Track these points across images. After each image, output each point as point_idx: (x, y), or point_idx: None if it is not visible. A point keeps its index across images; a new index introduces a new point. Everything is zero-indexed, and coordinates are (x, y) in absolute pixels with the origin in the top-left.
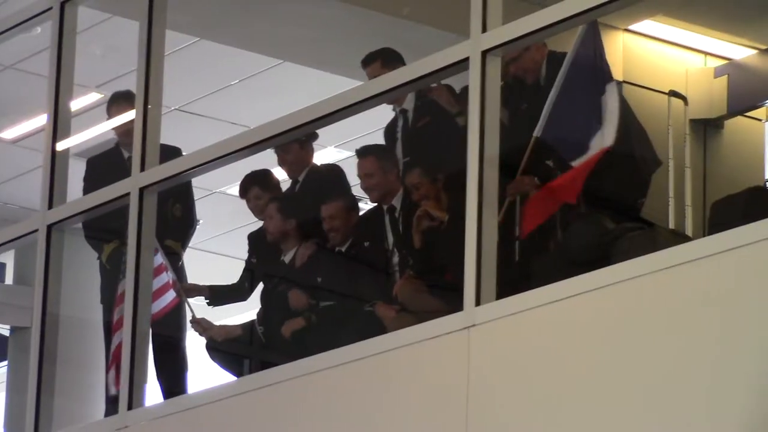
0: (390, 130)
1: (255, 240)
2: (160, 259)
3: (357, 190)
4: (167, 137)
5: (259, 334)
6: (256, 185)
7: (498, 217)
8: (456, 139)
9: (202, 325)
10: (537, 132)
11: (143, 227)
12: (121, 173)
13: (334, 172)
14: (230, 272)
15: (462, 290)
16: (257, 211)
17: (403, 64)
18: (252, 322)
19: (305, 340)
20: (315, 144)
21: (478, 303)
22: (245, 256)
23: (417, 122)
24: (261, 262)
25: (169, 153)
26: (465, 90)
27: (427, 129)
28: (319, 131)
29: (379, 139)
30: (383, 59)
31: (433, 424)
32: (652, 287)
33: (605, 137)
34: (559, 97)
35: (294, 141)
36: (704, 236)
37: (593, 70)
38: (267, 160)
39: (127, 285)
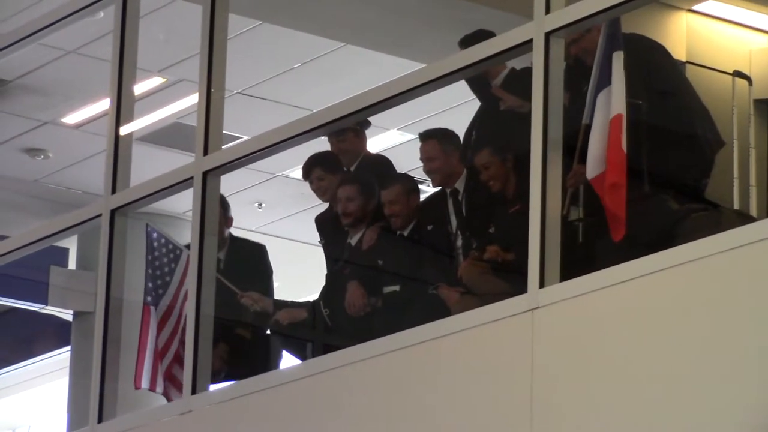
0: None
1: (321, 222)
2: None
3: (419, 173)
4: (229, 121)
5: (324, 317)
6: (319, 166)
7: (563, 211)
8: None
9: (252, 298)
10: (585, 119)
11: (206, 211)
12: None
13: (384, 161)
14: (292, 255)
15: (526, 272)
16: (320, 193)
17: None
18: (316, 303)
19: (370, 322)
20: (378, 127)
21: (542, 285)
22: (308, 239)
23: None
24: (328, 244)
25: (254, 248)
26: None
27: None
28: (381, 114)
29: (442, 122)
30: (462, 45)
31: (498, 406)
32: (717, 268)
33: (614, 104)
34: (596, 81)
35: (349, 129)
36: None
37: (610, 47)
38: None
39: (190, 269)
